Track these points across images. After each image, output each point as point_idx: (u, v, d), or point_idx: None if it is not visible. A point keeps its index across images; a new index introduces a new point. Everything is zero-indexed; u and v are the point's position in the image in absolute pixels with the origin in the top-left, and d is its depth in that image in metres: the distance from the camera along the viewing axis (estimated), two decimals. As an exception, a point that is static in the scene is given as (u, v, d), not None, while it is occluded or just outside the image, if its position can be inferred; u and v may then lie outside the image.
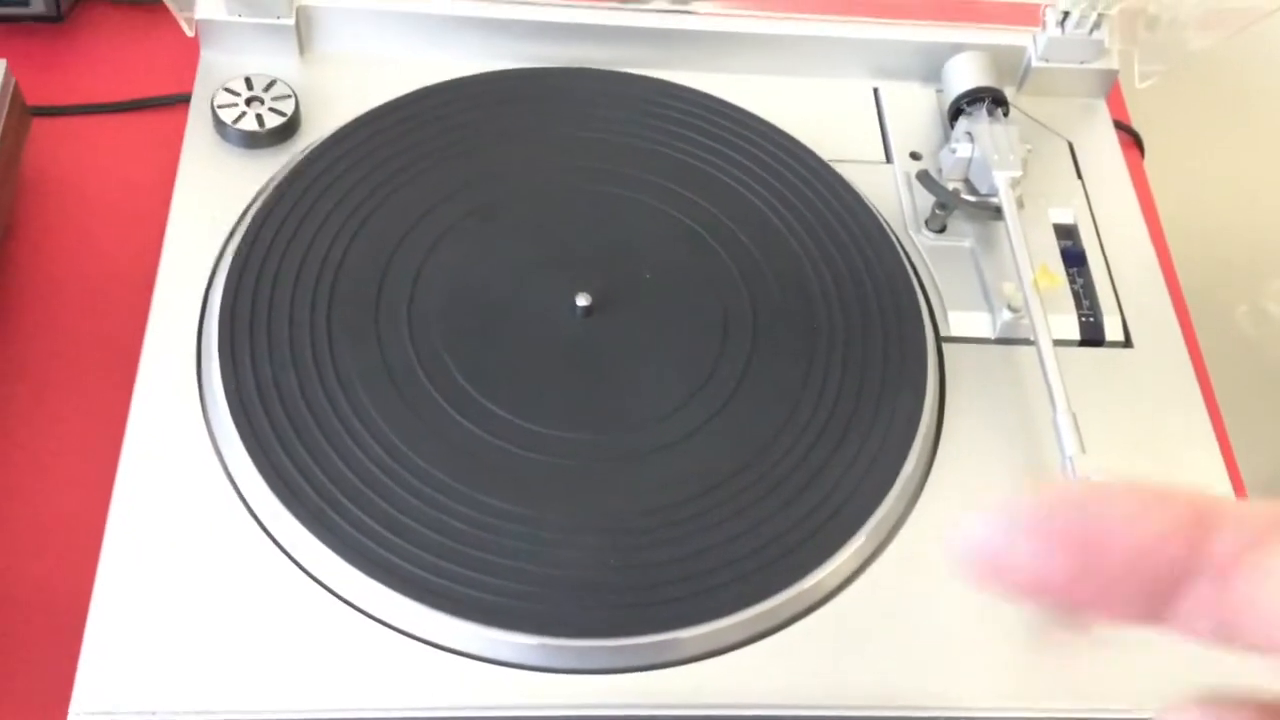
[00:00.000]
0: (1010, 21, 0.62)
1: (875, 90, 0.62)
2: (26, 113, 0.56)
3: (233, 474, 0.45)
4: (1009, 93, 0.60)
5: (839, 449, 0.48)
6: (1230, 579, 0.19)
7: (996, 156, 0.55)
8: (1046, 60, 0.62)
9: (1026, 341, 0.52)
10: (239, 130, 0.54)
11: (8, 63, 0.54)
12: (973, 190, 0.56)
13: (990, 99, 0.58)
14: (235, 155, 0.54)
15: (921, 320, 0.52)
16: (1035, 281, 0.51)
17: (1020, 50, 0.62)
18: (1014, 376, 0.52)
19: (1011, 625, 0.45)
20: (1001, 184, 0.54)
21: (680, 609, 0.43)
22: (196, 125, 0.55)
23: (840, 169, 0.57)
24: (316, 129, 0.55)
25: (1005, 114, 0.58)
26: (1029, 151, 0.56)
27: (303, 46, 0.58)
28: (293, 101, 0.55)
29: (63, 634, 0.42)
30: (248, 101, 0.55)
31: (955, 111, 0.59)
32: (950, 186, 0.56)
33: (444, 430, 0.46)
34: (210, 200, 0.52)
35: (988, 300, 0.54)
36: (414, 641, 0.42)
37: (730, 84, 0.60)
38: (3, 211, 0.54)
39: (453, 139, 0.55)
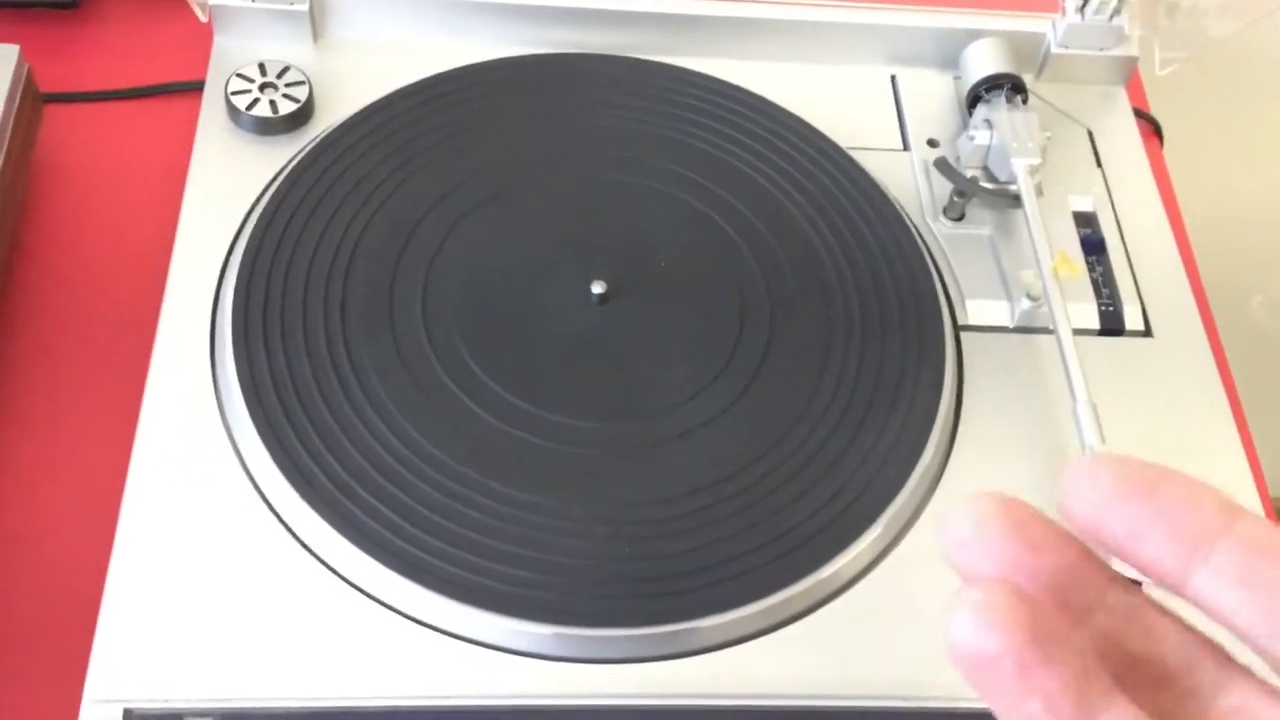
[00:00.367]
0: (1029, 8, 0.62)
1: (893, 77, 0.61)
2: (40, 99, 0.56)
3: (247, 461, 0.44)
4: (1028, 80, 0.59)
5: (856, 439, 0.47)
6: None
7: (1015, 144, 0.54)
8: (1066, 47, 0.61)
9: (1045, 330, 0.52)
10: (252, 117, 0.53)
11: (21, 49, 0.54)
12: (991, 178, 0.56)
13: (1009, 86, 0.57)
14: (249, 141, 0.54)
15: (939, 309, 0.51)
16: (1055, 269, 0.50)
17: (1039, 37, 0.61)
18: (1033, 365, 0.51)
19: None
20: (1020, 171, 0.54)
21: (696, 599, 0.43)
22: (210, 112, 0.54)
23: (857, 156, 0.56)
24: (330, 115, 0.55)
25: (1024, 101, 0.57)
26: (1048, 139, 0.55)
27: (316, 32, 0.58)
28: (306, 88, 0.55)
29: (77, 621, 0.42)
30: (261, 88, 0.54)
31: (973, 98, 0.58)
32: (968, 174, 0.55)
33: (459, 418, 0.46)
34: (224, 187, 0.52)
35: (1006, 289, 0.53)
36: (429, 630, 0.42)
37: (747, 70, 0.59)
38: (17, 197, 0.54)
39: (467, 125, 0.55)
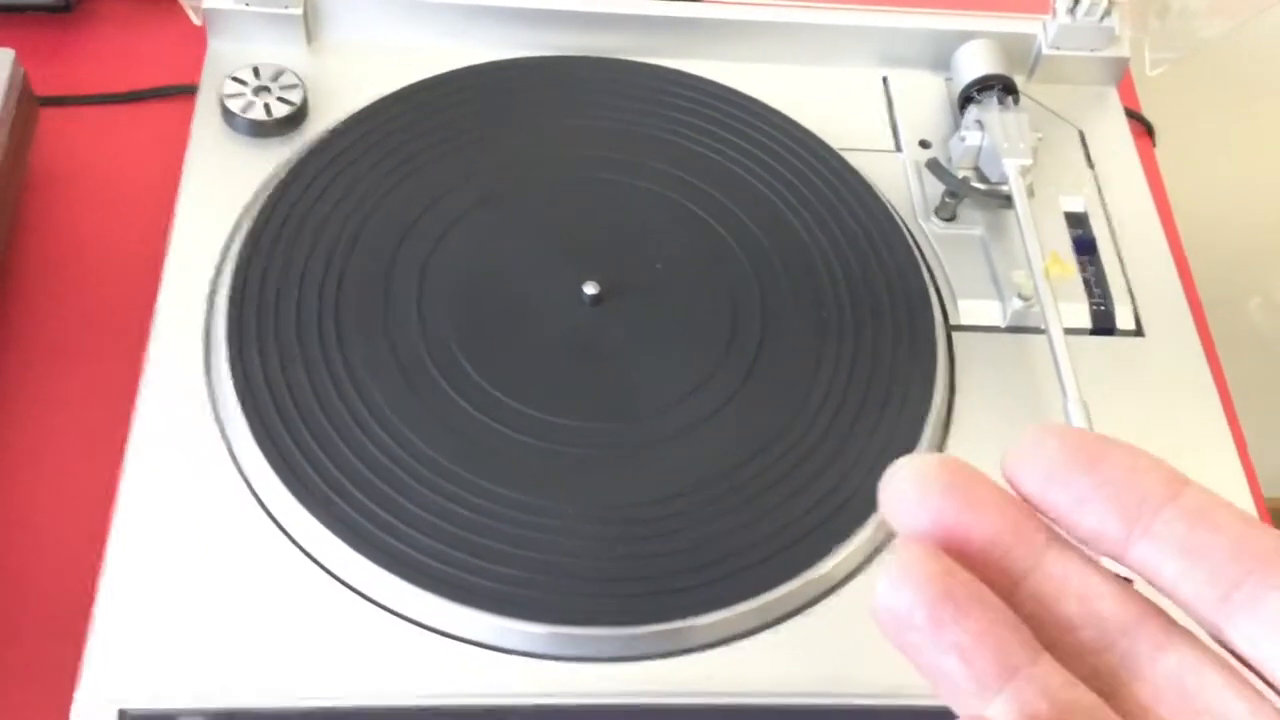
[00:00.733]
0: (1020, 9, 0.62)
1: (884, 78, 0.61)
2: (35, 103, 0.56)
3: (240, 462, 0.45)
4: (1019, 81, 0.59)
5: (848, 438, 0.47)
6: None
7: (1006, 144, 0.54)
8: (1057, 48, 0.61)
9: (1037, 330, 0.52)
10: (247, 119, 0.54)
11: (16, 53, 0.54)
12: (983, 178, 0.56)
13: (1001, 87, 0.57)
14: (243, 144, 0.54)
15: (931, 309, 0.52)
16: (1046, 269, 0.51)
17: (1030, 38, 0.61)
18: (1024, 365, 0.52)
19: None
20: (1012, 172, 0.54)
21: (690, 597, 0.43)
22: (204, 115, 0.54)
23: (849, 157, 0.56)
24: (324, 118, 0.55)
25: (1015, 102, 0.57)
26: (1039, 139, 0.55)
27: (310, 35, 0.58)
28: (300, 91, 0.55)
29: (70, 621, 0.42)
30: (255, 91, 0.55)
31: (965, 99, 0.58)
32: (960, 175, 0.55)
33: (452, 418, 0.46)
34: (218, 190, 0.52)
35: (998, 288, 0.53)
36: (422, 630, 0.42)
37: (740, 72, 0.59)
38: (11, 200, 0.54)
39: (461, 128, 0.55)
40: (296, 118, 0.54)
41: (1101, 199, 0.58)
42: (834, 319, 0.51)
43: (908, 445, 0.47)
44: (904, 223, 0.55)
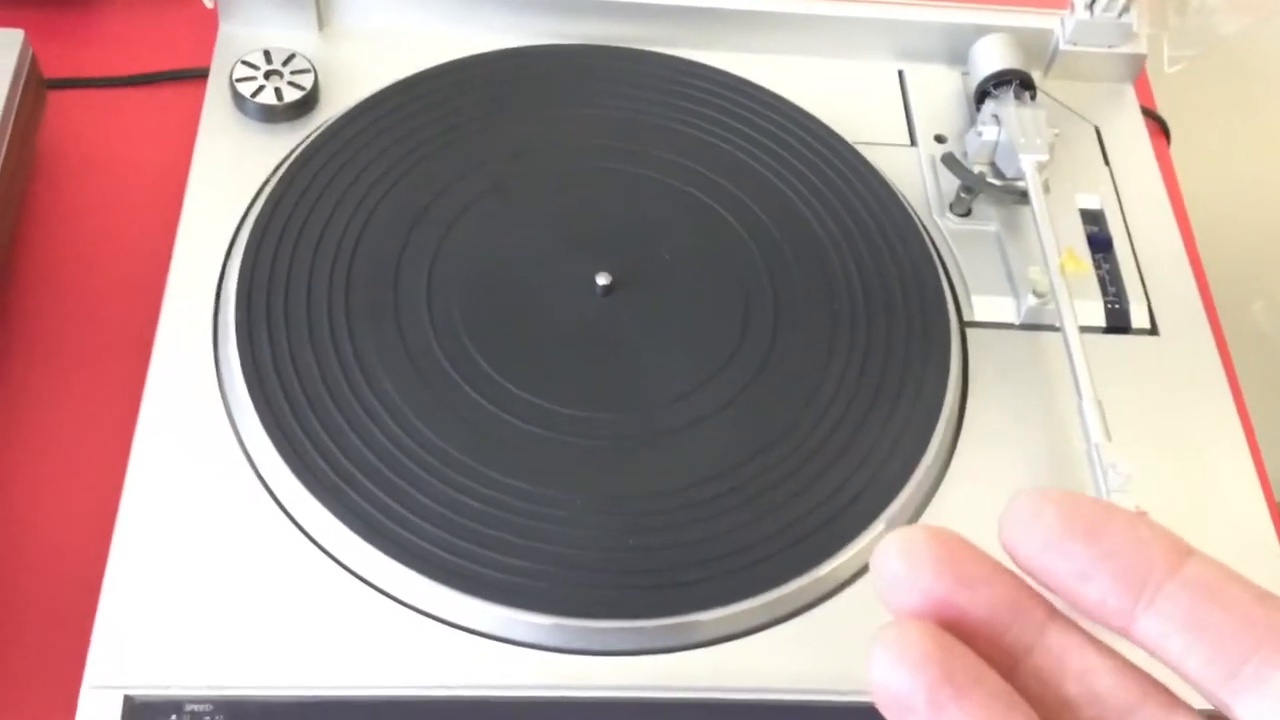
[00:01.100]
0: (1038, 4, 0.61)
1: (900, 72, 0.61)
2: (44, 85, 0.56)
3: (249, 449, 0.44)
4: (1035, 76, 0.59)
5: (860, 434, 0.47)
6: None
7: (1023, 140, 0.54)
8: (1074, 44, 0.61)
9: (1051, 327, 0.52)
10: (257, 104, 0.53)
11: (25, 34, 0.54)
12: (998, 174, 0.55)
13: (1018, 82, 0.57)
14: (253, 129, 0.53)
15: (945, 304, 0.51)
16: (1061, 266, 0.50)
17: (1048, 33, 0.61)
18: (1038, 362, 0.51)
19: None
20: (1028, 168, 0.53)
21: (698, 592, 0.43)
22: (215, 98, 0.54)
23: (864, 151, 0.56)
24: (335, 103, 0.55)
25: (1033, 97, 0.57)
26: (1056, 136, 0.55)
27: (322, 20, 0.58)
28: (311, 75, 0.54)
29: (77, 608, 0.42)
30: (266, 75, 0.54)
31: (981, 94, 0.58)
32: (976, 170, 0.55)
33: (461, 408, 0.46)
34: (228, 174, 0.52)
35: (1012, 285, 0.53)
36: (429, 620, 0.42)
37: (754, 64, 0.59)
38: (20, 183, 0.54)
39: (473, 115, 0.54)
40: (307, 103, 0.54)
41: (1117, 196, 0.58)
42: (846, 313, 0.50)
43: (920, 443, 0.47)
44: (918, 217, 0.54)
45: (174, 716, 0.38)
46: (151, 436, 0.44)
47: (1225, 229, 0.78)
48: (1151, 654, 0.20)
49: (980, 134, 0.56)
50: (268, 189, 0.51)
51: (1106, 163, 0.59)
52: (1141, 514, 0.20)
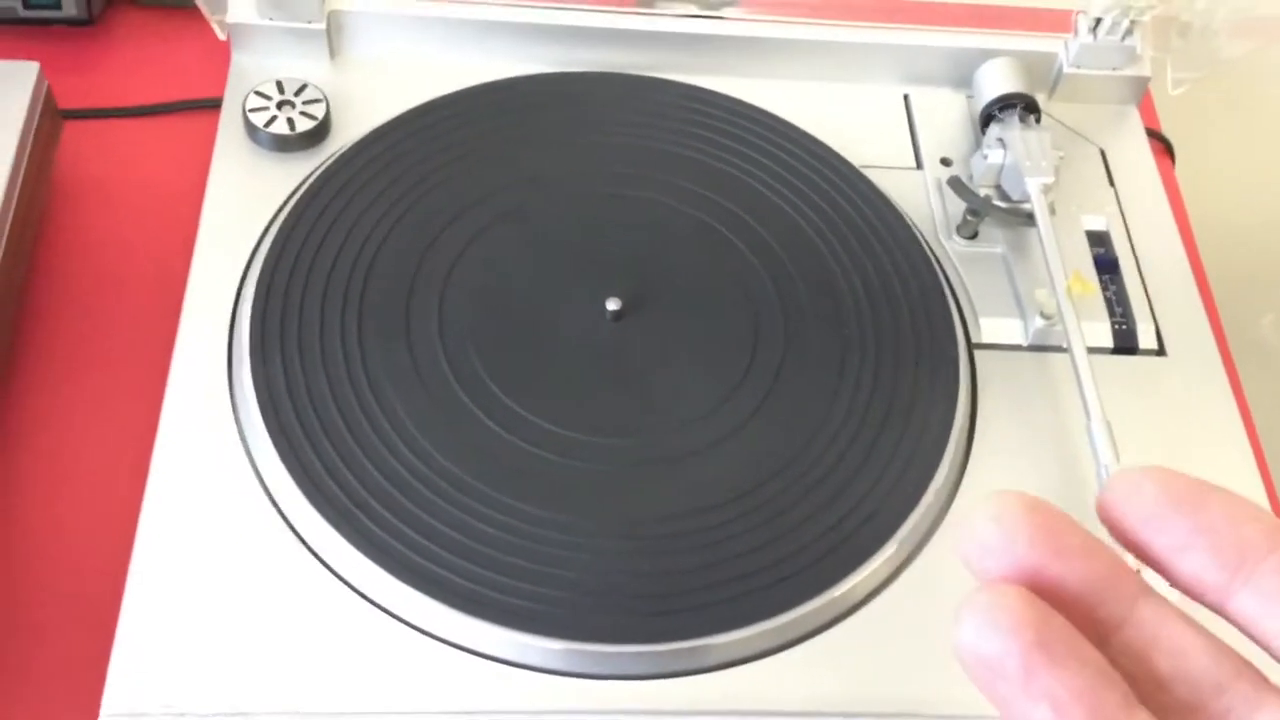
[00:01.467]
0: (1042, 28, 0.62)
1: (906, 96, 0.62)
2: (59, 115, 0.57)
3: (263, 474, 0.45)
4: (1040, 99, 0.59)
5: (870, 457, 0.47)
6: None
7: (1029, 162, 0.54)
8: (1078, 66, 0.61)
9: (1059, 349, 0.52)
10: (270, 134, 0.54)
11: (40, 66, 0.54)
12: (1004, 196, 0.56)
13: (1023, 105, 0.57)
14: (266, 159, 0.54)
15: (953, 327, 0.51)
16: (1069, 288, 0.51)
17: (1052, 57, 0.61)
18: (1046, 384, 0.51)
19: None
20: (1034, 190, 0.54)
21: (709, 615, 0.43)
22: (228, 128, 0.55)
23: (871, 174, 0.56)
24: (347, 132, 0.55)
25: (1038, 120, 0.57)
26: (1061, 158, 0.55)
27: (333, 51, 0.58)
28: (324, 105, 0.55)
29: (94, 633, 0.43)
30: (279, 105, 0.55)
31: (987, 118, 0.58)
32: (982, 193, 0.55)
33: (473, 434, 0.46)
34: (242, 203, 0.52)
35: (1020, 307, 0.53)
36: (441, 644, 0.42)
37: (760, 89, 0.60)
38: (36, 212, 0.54)
39: (482, 143, 0.55)
40: (319, 132, 0.55)
41: (1123, 218, 0.58)
42: (855, 336, 0.51)
43: (930, 464, 0.47)
44: (926, 240, 0.55)
45: (190, 742, 0.39)
46: (167, 462, 0.45)
47: (1230, 247, 0.78)
48: (1245, 631, 0.20)
49: (986, 157, 0.56)
50: (281, 217, 0.51)
51: (1112, 184, 0.59)
52: (1237, 495, 0.20)
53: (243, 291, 0.49)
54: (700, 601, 0.43)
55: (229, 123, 0.55)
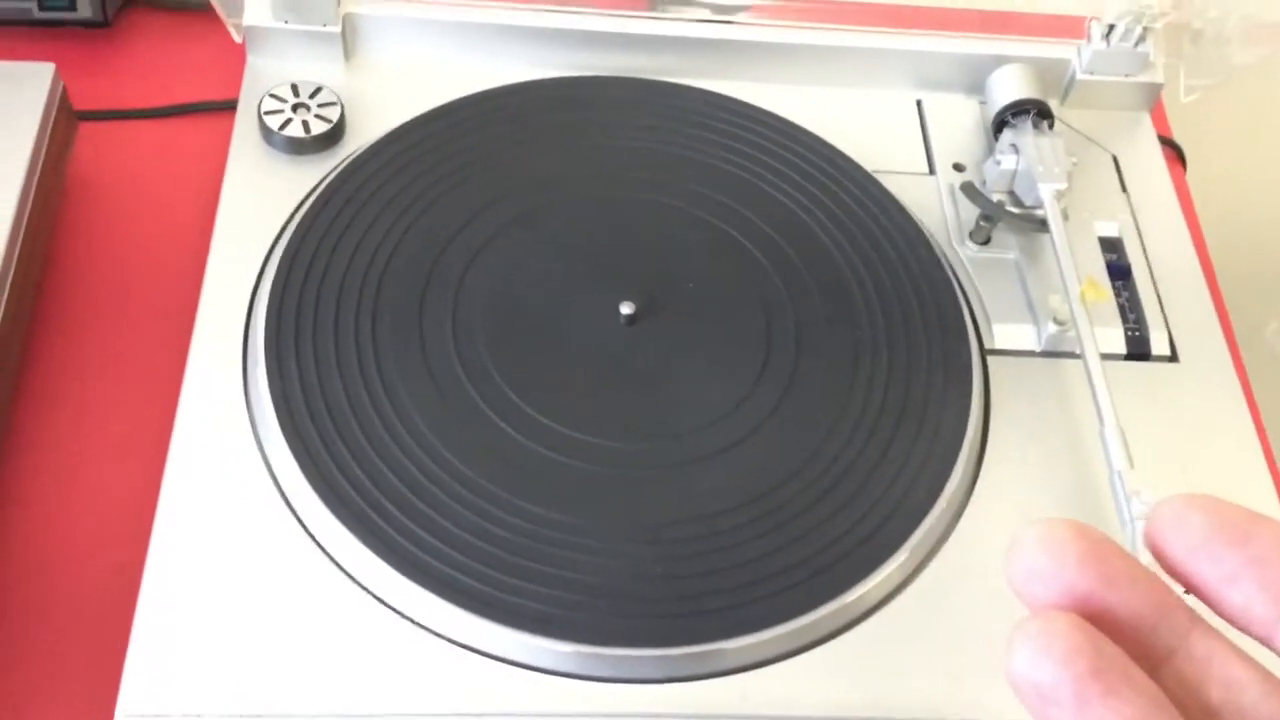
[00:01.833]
0: (1054, 34, 0.62)
1: (918, 102, 0.62)
2: (74, 117, 0.57)
3: (278, 476, 0.45)
4: (1052, 105, 0.59)
5: (883, 462, 0.47)
6: None
7: (1042, 168, 0.55)
8: (1091, 73, 0.61)
9: (1071, 354, 0.52)
10: (285, 136, 0.54)
11: (56, 67, 0.55)
12: (1017, 202, 0.56)
13: (1036, 111, 0.57)
14: (281, 161, 0.54)
15: (966, 332, 0.52)
16: (1082, 294, 0.51)
17: (1064, 63, 0.62)
18: (1059, 390, 0.51)
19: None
20: (1047, 196, 0.54)
21: (724, 620, 0.43)
22: (243, 131, 0.55)
23: (883, 180, 0.57)
24: (362, 135, 0.55)
25: (1050, 126, 0.57)
26: (1074, 164, 0.55)
27: (348, 53, 0.59)
28: (338, 108, 0.55)
29: (109, 634, 0.43)
30: (294, 108, 0.55)
31: (999, 123, 0.58)
32: (995, 198, 0.55)
33: (487, 436, 0.46)
34: (256, 205, 0.52)
35: (1032, 313, 0.53)
36: (457, 647, 0.42)
37: (773, 94, 0.60)
38: (50, 213, 0.55)
39: (497, 146, 0.55)
40: (334, 135, 0.55)
41: (1135, 224, 0.58)
42: (868, 341, 0.51)
43: (942, 470, 0.47)
44: (938, 246, 0.55)
45: (206, 744, 0.39)
46: (183, 463, 0.45)
47: (1241, 254, 0.78)
48: None
49: (999, 163, 0.56)
50: (295, 220, 0.52)
51: (1124, 190, 0.60)
52: None
53: (258, 293, 0.50)
54: (713, 606, 0.43)
55: (244, 125, 0.55)
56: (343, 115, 0.55)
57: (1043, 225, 0.54)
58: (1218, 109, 0.77)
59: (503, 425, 0.46)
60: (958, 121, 0.61)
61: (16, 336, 0.50)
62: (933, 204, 0.57)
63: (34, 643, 0.45)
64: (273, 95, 0.55)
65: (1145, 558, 0.44)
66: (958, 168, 0.59)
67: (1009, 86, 0.59)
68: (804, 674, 0.43)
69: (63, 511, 0.48)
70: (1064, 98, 0.62)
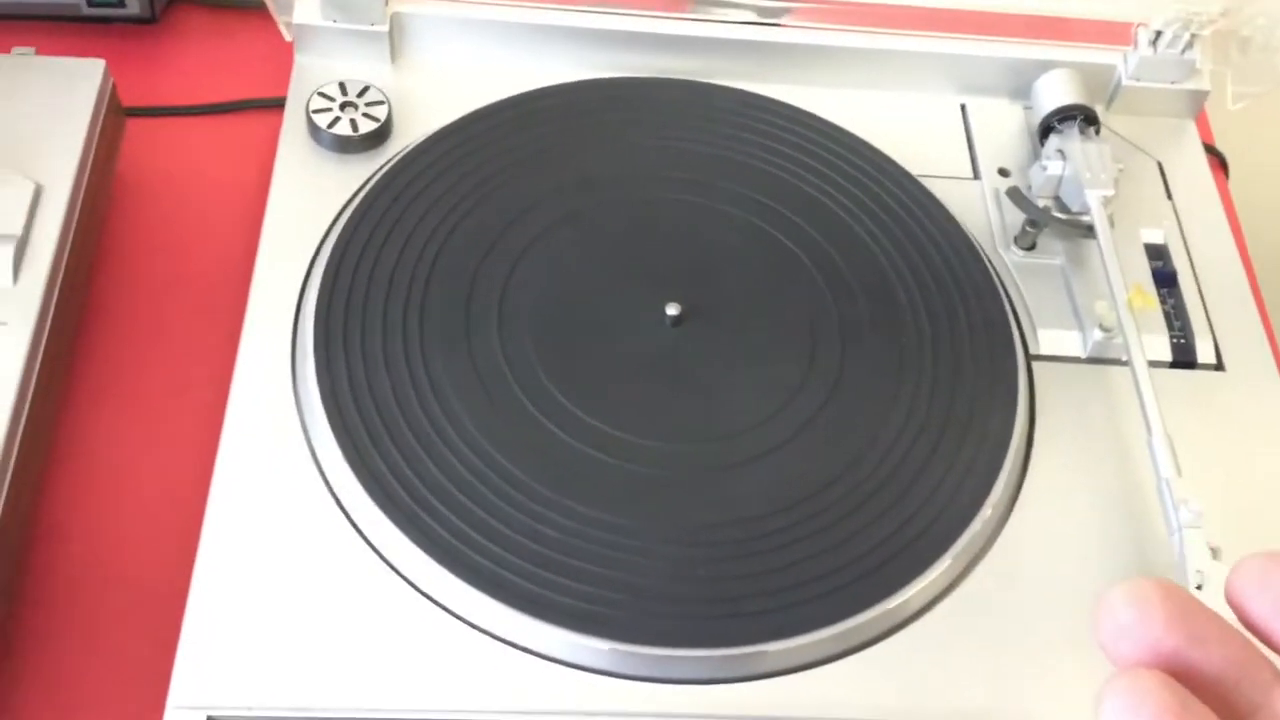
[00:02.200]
0: (1101, 40, 0.62)
1: (963, 106, 0.61)
2: (123, 113, 0.57)
3: (327, 474, 0.45)
4: (1097, 110, 0.59)
5: (928, 467, 0.47)
6: None
7: (1089, 174, 0.54)
8: (1137, 79, 0.61)
9: (1117, 361, 0.52)
10: (333, 135, 0.54)
11: (106, 64, 0.55)
12: (1063, 208, 0.56)
13: (1082, 117, 0.57)
14: (329, 159, 0.54)
15: (1011, 338, 0.51)
16: (1130, 301, 0.50)
17: (1110, 69, 0.61)
18: (1105, 397, 0.51)
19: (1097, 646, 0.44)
20: (1094, 202, 0.54)
21: (766, 622, 0.43)
22: (291, 129, 0.55)
23: (928, 184, 0.56)
24: (409, 134, 0.56)
25: (1097, 132, 0.57)
26: (1121, 170, 0.55)
27: (395, 53, 0.59)
28: (386, 107, 0.56)
29: (161, 628, 0.43)
30: (342, 106, 0.55)
31: (1045, 129, 0.58)
32: (1041, 204, 0.55)
33: (534, 436, 0.46)
34: (304, 204, 0.53)
35: (1078, 319, 0.53)
36: (502, 644, 0.42)
37: (817, 97, 0.60)
38: (100, 209, 0.55)
39: (542, 146, 0.55)
40: (381, 134, 0.55)
41: (1181, 231, 0.58)
42: (913, 346, 0.51)
43: (988, 476, 0.47)
44: (983, 250, 0.55)
45: (255, 737, 0.39)
46: (232, 460, 0.45)
47: (1271, 260, 0.77)
48: None
49: (1045, 168, 0.56)
50: (343, 218, 0.52)
51: (1170, 198, 0.59)
52: None
53: (306, 291, 0.50)
54: (756, 608, 0.43)
55: (292, 123, 0.55)
56: (390, 114, 0.55)
57: (1089, 231, 0.54)
58: (1261, 116, 0.76)
59: (549, 425, 0.47)
60: (1002, 126, 0.61)
61: (67, 333, 0.51)
62: (977, 209, 0.57)
63: (87, 637, 0.46)
64: (321, 94, 0.55)
65: (1191, 568, 0.43)
66: (1003, 173, 0.59)
67: (1056, 92, 0.58)
68: (846, 678, 0.43)
69: (112, 507, 0.49)
70: (1109, 104, 0.62)
